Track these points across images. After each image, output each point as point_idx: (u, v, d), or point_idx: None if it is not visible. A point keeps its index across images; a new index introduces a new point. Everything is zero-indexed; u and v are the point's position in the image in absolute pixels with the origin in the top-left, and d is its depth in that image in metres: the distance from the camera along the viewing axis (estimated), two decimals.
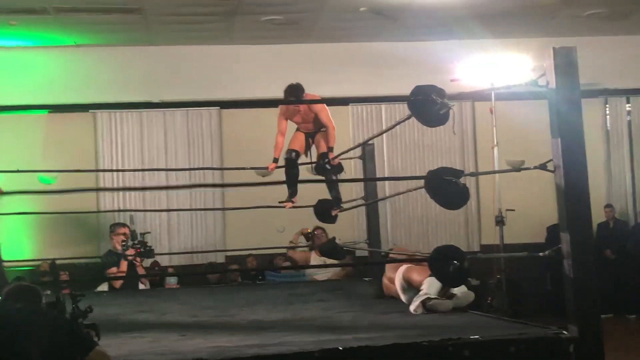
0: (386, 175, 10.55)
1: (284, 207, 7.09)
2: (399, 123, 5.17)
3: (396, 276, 5.66)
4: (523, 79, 9.37)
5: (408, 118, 4.50)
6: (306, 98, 6.80)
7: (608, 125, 12.10)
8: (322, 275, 9.53)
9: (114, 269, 8.30)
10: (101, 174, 11.10)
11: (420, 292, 5.29)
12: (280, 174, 7.20)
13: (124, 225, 9.06)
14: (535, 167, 4.03)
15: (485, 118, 11.01)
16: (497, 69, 10.56)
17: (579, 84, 3.87)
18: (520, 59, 10.50)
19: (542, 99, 9.65)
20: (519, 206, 10.74)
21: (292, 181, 6.88)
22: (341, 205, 7.10)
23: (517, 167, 4.40)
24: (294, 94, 6.79)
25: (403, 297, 5.61)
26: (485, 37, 10.85)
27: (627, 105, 12.17)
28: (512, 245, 10.35)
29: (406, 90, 11.03)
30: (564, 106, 3.85)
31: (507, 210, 10.39)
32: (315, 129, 7.01)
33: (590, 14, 10.56)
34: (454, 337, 3.81)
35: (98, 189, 11.18)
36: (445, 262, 4.10)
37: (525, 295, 11.05)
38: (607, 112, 12.10)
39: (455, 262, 4.11)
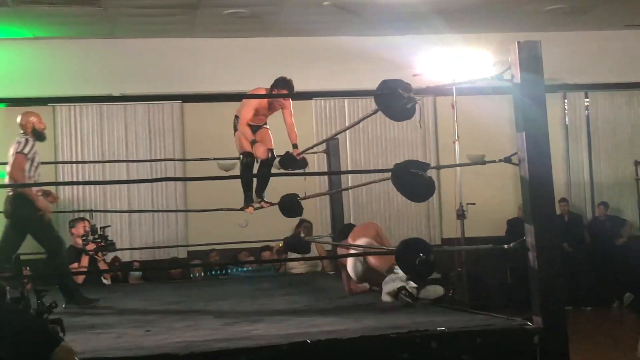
0: (349, 169, 10.56)
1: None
2: (365, 117, 5.17)
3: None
4: (485, 73, 9.50)
5: (374, 112, 4.50)
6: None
7: (567, 120, 12.29)
8: (300, 269, 9.60)
9: (75, 265, 8.22)
10: (60, 168, 10.99)
11: (392, 277, 5.35)
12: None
13: (83, 219, 8.98)
14: (500, 160, 4.06)
15: (446, 113, 11.11)
16: (459, 63, 10.66)
17: (543, 78, 3.91)
18: (482, 54, 10.62)
19: (503, 93, 9.75)
20: (480, 200, 10.84)
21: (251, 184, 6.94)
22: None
23: (482, 160, 4.44)
24: (289, 86, 6.78)
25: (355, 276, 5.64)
26: (447, 32, 10.94)
27: (586, 100, 12.37)
28: (473, 238, 10.47)
29: (369, 85, 11.04)
30: (528, 100, 3.88)
31: (468, 204, 10.48)
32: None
33: (550, 9, 10.70)
34: (421, 329, 3.84)
35: (57, 183, 11.03)
36: (411, 255, 4.12)
37: (486, 288, 11.17)
38: (566, 107, 12.28)
39: (422, 254, 4.13)
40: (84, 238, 8.27)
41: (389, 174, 4.37)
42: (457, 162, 10.31)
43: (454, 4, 10.12)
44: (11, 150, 6.35)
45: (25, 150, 6.25)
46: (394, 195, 11.27)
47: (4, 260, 6.21)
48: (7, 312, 3.29)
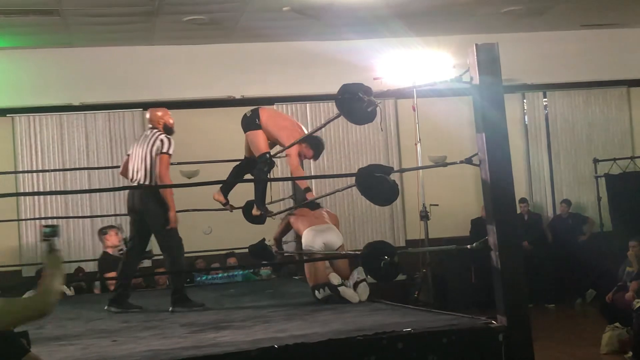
0: (312, 174, 10.56)
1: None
2: (328, 122, 5.18)
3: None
4: (445, 76, 9.59)
5: (337, 117, 4.52)
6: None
7: (526, 119, 12.45)
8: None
9: (112, 273, 8.11)
10: (20, 180, 10.87)
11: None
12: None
13: (113, 227, 9.04)
14: (461, 162, 4.10)
15: (407, 115, 11.19)
16: (418, 66, 10.75)
17: (501, 80, 3.96)
18: (442, 56, 10.73)
19: (463, 95, 9.86)
20: (442, 201, 10.93)
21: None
22: (267, 209, 7.02)
23: (444, 162, 4.47)
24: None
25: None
26: (406, 35, 11.02)
27: (544, 99, 12.55)
28: (437, 239, 10.57)
29: (330, 89, 11.08)
30: (487, 101, 3.93)
31: (431, 205, 10.56)
32: None
33: (507, 11, 10.84)
34: (387, 330, 3.86)
35: (18, 194, 10.92)
36: (376, 258, 4.15)
37: (450, 288, 11.26)
38: (525, 107, 12.44)
39: (386, 257, 4.16)
40: (120, 248, 8.40)
41: (352, 178, 4.39)
42: (419, 164, 10.39)
43: (413, 7, 10.21)
44: (145, 148, 6.20)
45: (171, 151, 6.22)
46: (357, 198, 11.33)
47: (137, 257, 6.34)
48: None
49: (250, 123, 6.60)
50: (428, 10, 10.44)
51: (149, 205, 6.19)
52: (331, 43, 11.35)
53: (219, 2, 9.56)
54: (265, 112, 6.69)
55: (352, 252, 5.31)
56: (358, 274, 5.80)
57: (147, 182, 6.16)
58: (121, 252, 8.10)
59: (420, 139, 10.53)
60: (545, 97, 12.55)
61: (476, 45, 3.94)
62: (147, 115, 6.49)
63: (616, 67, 12.36)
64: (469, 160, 4.05)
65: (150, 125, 6.39)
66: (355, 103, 4.20)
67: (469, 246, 4.17)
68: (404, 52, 10.98)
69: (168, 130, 6.40)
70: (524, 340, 3.85)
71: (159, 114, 6.44)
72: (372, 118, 4.25)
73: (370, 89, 4.27)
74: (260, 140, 6.61)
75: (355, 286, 5.78)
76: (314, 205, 6.39)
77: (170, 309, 6.09)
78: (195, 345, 4.12)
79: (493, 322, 3.92)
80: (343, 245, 6.25)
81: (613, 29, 12.23)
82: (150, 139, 6.25)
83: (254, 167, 6.74)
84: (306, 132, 6.73)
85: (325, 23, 10.67)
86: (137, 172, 6.24)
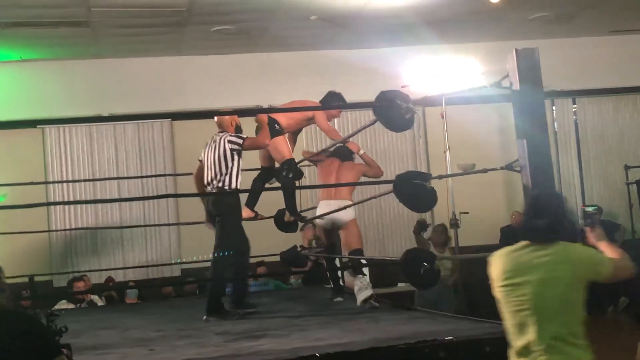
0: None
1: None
2: (364, 128, 5.19)
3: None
4: (473, 83, 9.55)
5: (373, 123, 4.51)
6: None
7: (556, 126, 12.34)
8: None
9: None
10: (51, 191, 10.94)
11: (363, 284, 5.99)
12: None
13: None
14: (502, 168, 4.07)
15: (436, 123, 11.12)
16: (446, 73, 10.70)
17: (542, 85, 3.93)
18: (470, 63, 10.68)
19: (492, 102, 9.77)
20: (472, 209, 10.84)
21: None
22: (300, 215, 7.06)
23: (484, 169, 4.44)
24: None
25: None
26: (434, 43, 10.96)
27: (574, 106, 12.44)
28: (466, 247, 10.47)
29: (358, 97, 11.05)
30: (528, 107, 3.89)
31: (461, 212, 10.49)
32: None
33: (536, 17, 10.77)
34: (429, 339, 3.83)
35: (49, 204, 10.97)
36: (416, 265, 4.12)
37: (480, 296, 11.14)
38: (554, 113, 12.35)
39: (426, 264, 4.13)
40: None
41: (387, 186, 4.37)
42: (449, 171, 10.32)
43: (440, 14, 10.17)
44: (216, 152, 6.28)
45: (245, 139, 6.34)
46: (387, 205, 11.31)
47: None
48: (12, 313, 3.24)
49: (271, 131, 6.59)
50: (456, 17, 10.39)
51: (223, 208, 6.22)
52: (359, 51, 11.33)
53: (247, 12, 9.58)
54: (279, 116, 6.72)
55: (391, 259, 5.26)
56: (360, 283, 5.98)
57: (221, 185, 6.20)
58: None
59: (449, 147, 10.46)
60: (574, 103, 12.44)
61: (516, 50, 3.92)
62: (215, 120, 6.55)
63: None
64: (509, 167, 4.02)
65: (220, 130, 6.44)
66: (392, 110, 4.18)
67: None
68: (432, 59, 10.93)
69: (239, 130, 6.48)
70: None
71: (226, 118, 6.47)
72: (410, 125, 4.24)
73: (407, 96, 4.26)
74: (284, 147, 6.66)
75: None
76: (346, 156, 6.64)
77: (240, 314, 6.07)
78: (233, 354, 4.12)
79: None
80: (354, 219, 6.58)
81: None
82: (219, 143, 6.31)
83: (274, 175, 6.79)
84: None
85: (352, 31, 10.66)
86: (212, 177, 6.30)
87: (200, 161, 6.57)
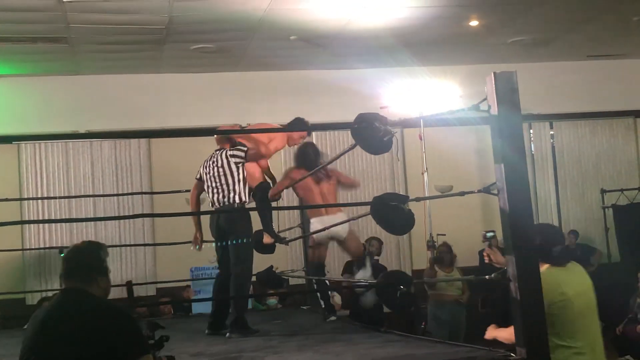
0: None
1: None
2: (345, 152, 5.14)
3: None
4: (451, 105, 9.56)
5: (353, 147, 4.46)
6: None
7: (532, 149, 12.41)
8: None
9: None
10: (25, 208, 10.83)
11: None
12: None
13: None
14: (479, 191, 4.05)
15: (414, 144, 11.15)
16: (425, 95, 10.74)
17: (519, 109, 3.92)
18: (448, 86, 10.73)
19: (475, 124, 9.79)
20: (449, 231, 10.85)
21: None
22: (279, 237, 7.02)
23: (461, 192, 4.42)
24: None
25: None
26: (412, 65, 11.01)
27: (550, 130, 12.53)
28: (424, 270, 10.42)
29: (337, 118, 11.07)
30: (506, 131, 3.88)
31: (438, 234, 10.49)
32: None
33: (514, 41, 10.85)
34: None
35: (23, 222, 10.86)
36: (392, 287, 4.09)
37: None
38: (532, 137, 12.42)
39: (402, 287, 4.10)
40: None
41: (364, 208, 4.35)
42: (427, 193, 10.33)
43: (419, 37, 10.21)
44: (220, 170, 6.23)
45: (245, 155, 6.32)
46: (364, 226, 11.28)
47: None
48: (108, 307, 3.22)
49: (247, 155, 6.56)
50: (435, 40, 10.45)
51: (235, 224, 6.16)
52: (338, 72, 11.35)
53: (227, 31, 9.56)
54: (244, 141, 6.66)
55: (367, 282, 5.23)
56: None
57: (231, 202, 6.17)
58: None
59: (427, 168, 10.49)
60: (551, 127, 12.53)
61: (494, 73, 3.89)
62: (215, 137, 6.54)
63: (623, 97, 12.35)
64: (487, 190, 4.00)
65: (220, 147, 6.42)
66: (371, 132, 4.16)
67: (487, 277, 4.11)
68: (411, 81, 10.96)
69: (237, 143, 6.43)
70: None
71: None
72: (389, 148, 4.21)
73: (385, 119, 4.24)
74: (255, 171, 6.62)
75: None
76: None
77: (228, 334, 5.97)
78: None
79: (512, 354, 3.85)
80: (352, 230, 6.76)
81: (619, 59, 12.25)
82: (219, 159, 6.30)
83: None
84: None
85: (332, 52, 10.68)
86: (218, 196, 6.24)
87: (198, 179, 6.51)
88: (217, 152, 6.42)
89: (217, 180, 6.27)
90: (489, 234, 4.69)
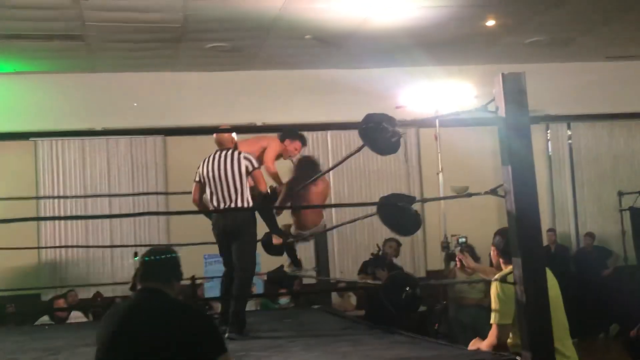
0: (333, 202, 10.49)
1: None
2: (352, 154, 5.08)
3: None
4: (467, 105, 9.49)
5: (361, 148, 4.42)
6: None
7: (550, 150, 12.33)
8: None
9: None
10: (42, 205, 10.88)
11: None
12: None
13: None
14: (486, 193, 4.01)
15: (429, 144, 11.10)
16: (441, 95, 10.68)
17: (527, 111, 3.88)
18: (464, 86, 10.66)
19: (486, 125, 9.75)
20: (464, 231, 10.77)
21: None
22: (287, 234, 7.04)
23: (468, 193, 4.39)
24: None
25: None
26: (428, 65, 10.96)
27: (568, 131, 12.44)
28: (444, 269, 10.39)
29: (351, 117, 10.97)
30: (513, 132, 3.84)
31: (453, 235, 10.43)
32: None
33: (532, 42, 10.78)
34: None
35: (39, 218, 10.92)
36: (398, 289, 4.07)
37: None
38: (549, 137, 12.33)
39: (408, 288, 4.08)
40: None
41: (373, 208, 4.32)
42: (442, 193, 10.27)
43: (435, 37, 10.17)
44: (231, 169, 6.09)
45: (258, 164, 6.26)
46: (378, 227, 11.23)
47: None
48: (187, 307, 3.39)
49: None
50: (451, 39, 10.40)
51: (242, 224, 6.06)
52: (353, 71, 11.32)
53: (242, 30, 9.57)
54: (244, 149, 6.58)
55: (373, 282, 5.21)
56: None
57: (240, 203, 6.04)
58: None
59: (442, 169, 10.43)
60: (569, 128, 12.44)
61: (502, 74, 3.86)
62: (215, 137, 6.29)
63: None
64: (494, 192, 3.96)
65: (224, 147, 6.20)
66: (379, 133, 4.12)
67: (493, 279, 4.08)
68: (426, 81, 10.91)
69: (236, 147, 6.32)
70: None
71: (227, 135, 6.25)
72: (396, 149, 4.17)
73: (394, 119, 4.20)
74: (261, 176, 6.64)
75: None
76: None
77: (227, 334, 5.83)
78: None
79: (517, 357, 3.82)
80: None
81: (637, 60, 12.13)
82: (233, 159, 6.11)
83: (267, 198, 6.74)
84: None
85: (347, 52, 10.66)
86: (227, 194, 6.09)
87: (198, 182, 6.25)
88: (223, 152, 6.17)
89: (225, 181, 6.07)
90: (461, 239, 4.94)
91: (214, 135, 6.39)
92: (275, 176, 6.81)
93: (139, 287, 3.39)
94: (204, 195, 6.27)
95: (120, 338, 3.20)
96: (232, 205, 6.04)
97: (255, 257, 6.24)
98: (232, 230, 6.08)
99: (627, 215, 11.94)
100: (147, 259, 3.44)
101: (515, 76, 3.90)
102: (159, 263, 3.41)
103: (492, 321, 4.12)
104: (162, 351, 3.11)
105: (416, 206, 4.29)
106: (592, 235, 11.92)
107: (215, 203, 6.12)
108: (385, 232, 11.17)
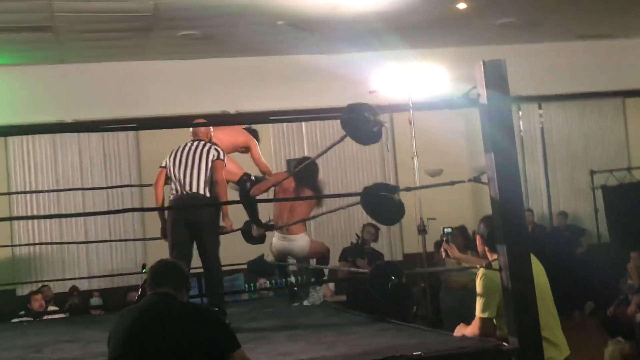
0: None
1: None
2: (335, 144, 5.09)
3: None
4: (441, 89, 9.49)
5: (343, 138, 4.42)
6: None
7: (522, 131, 12.40)
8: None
9: None
10: (15, 200, 10.76)
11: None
12: None
13: None
14: (469, 180, 4.02)
15: (403, 129, 11.09)
16: (414, 79, 10.67)
17: (509, 97, 3.89)
18: (437, 69, 10.66)
19: (464, 107, 9.72)
20: (440, 215, 10.81)
21: None
22: (267, 226, 7.05)
23: (452, 181, 4.40)
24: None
25: None
26: (401, 48, 10.95)
27: (540, 111, 12.51)
28: (433, 253, 10.43)
29: (326, 103, 10.99)
30: (496, 120, 3.85)
31: (429, 218, 10.45)
32: None
33: (502, 23, 10.80)
34: (397, 355, 3.77)
35: (11, 218, 10.80)
36: (384, 279, 4.07)
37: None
38: (520, 118, 12.40)
39: (394, 277, 4.08)
40: None
41: (354, 197, 4.32)
42: (417, 178, 10.28)
43: (407, 20, 10.15)
44: (199, 158, 6.06)
45: (224, 158, 6.17)
46: (354, 213, 11.24)
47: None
48: (199, 308, 3.73)
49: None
50: (422, 23, 10.39)
51: (205, 215, 5.99)
52: (326, 57, 11.28)
53: (214, 17, 9.48)
54: (218, 141, 6.58)
55: (359, 271, 5.21)
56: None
57: (202, 193, 5.97)
58: None
59: (417, 153, 10.44)
60: (540, 108, 12.52)
61: (483, 62, 3.86)
62: (191, 129, 6.34)
63: (612, 78, 12.32)
64: (477, 179, 3.97)
65: (197, 138, 6.22)
66: (361, 123, 4.12)
67: (478, 265, 4.10)
68: (399, 65, 10.90)
69: (210, 139, 6.32)
70: None
71: (203, 128, 6.31)
72: (379, 138, 4.18)
73: (375, 109, 4.20)
74: (232, 166, 6.66)
75: None
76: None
77: None
78: None
79: (504, 344, 3.84)
80: (309, 245, 7.09)
81: (609, 40, 12.21)
82: (203, 150, 6.10)
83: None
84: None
85: (319, 37, 10.61)
86: (190, 182, 6.02)
87: (164, 167, 6.25)
88: (195, 142, 6.19)
89: (187, 167, 6.02)
90: (447, 230, 5.27)
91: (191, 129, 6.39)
92: (268, 172, 6.93)
93: (149, 292, 3.53)
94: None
95: (139, 339, 3.30)
96: (188, 188, 6.00)
97: (219, 247, 6.14)
98: (199, 222, 6.01)
99: (599, 194, 12.06)
100: (152, 267, 3.61)
101: (496, 63, 3.90)
102: (169, 271, 3.60)
103: (476, 312, 4.13)
104: (180, 351, 3.23)
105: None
106: (565, 215, 12.03)
107: (173, 186, 6.11)
108: (363, 218, 11.30)
